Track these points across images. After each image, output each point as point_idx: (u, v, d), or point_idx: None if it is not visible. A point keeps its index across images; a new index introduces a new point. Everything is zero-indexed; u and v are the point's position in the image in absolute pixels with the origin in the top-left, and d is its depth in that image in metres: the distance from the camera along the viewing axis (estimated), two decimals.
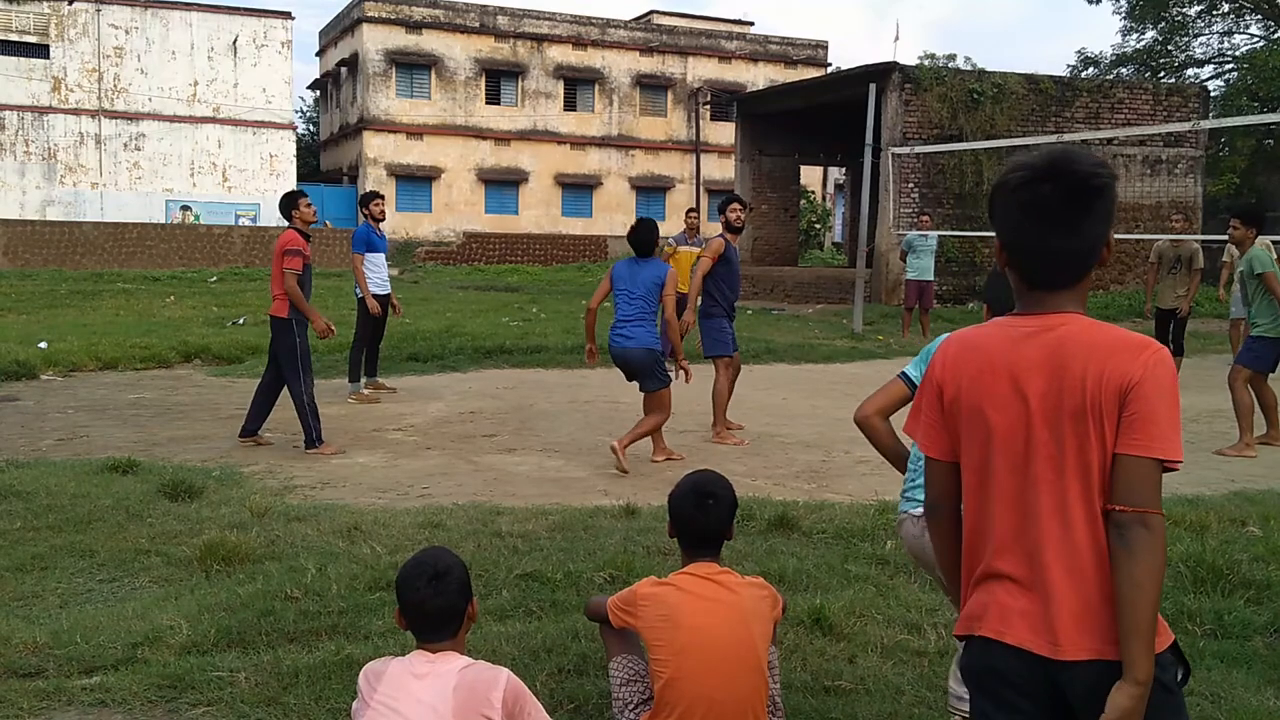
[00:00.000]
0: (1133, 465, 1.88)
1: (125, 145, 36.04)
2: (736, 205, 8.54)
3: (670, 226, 40.40)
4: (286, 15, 38.45)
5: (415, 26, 38.68)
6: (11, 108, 34.63)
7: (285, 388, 7.82)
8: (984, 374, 2.01)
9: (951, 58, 22.33)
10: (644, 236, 7.32)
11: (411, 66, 38.91)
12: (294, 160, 38.67)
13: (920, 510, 2.97)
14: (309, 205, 8.06)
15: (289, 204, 8.02)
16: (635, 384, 7.45)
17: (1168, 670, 1.89)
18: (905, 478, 3.27)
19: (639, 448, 7.58)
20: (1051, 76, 22.77)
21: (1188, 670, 2.03)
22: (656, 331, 7.32)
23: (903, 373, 3.28)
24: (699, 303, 8.61)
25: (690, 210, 13.15)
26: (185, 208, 36.62)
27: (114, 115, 35.85)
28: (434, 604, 2.61)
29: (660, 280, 7.17)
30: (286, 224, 8.01)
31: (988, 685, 2.00)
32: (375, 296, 10.13)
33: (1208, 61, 35.18)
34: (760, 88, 36.37)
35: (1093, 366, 1.91)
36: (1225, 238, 9.52)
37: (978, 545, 2.04)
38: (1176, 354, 11.89)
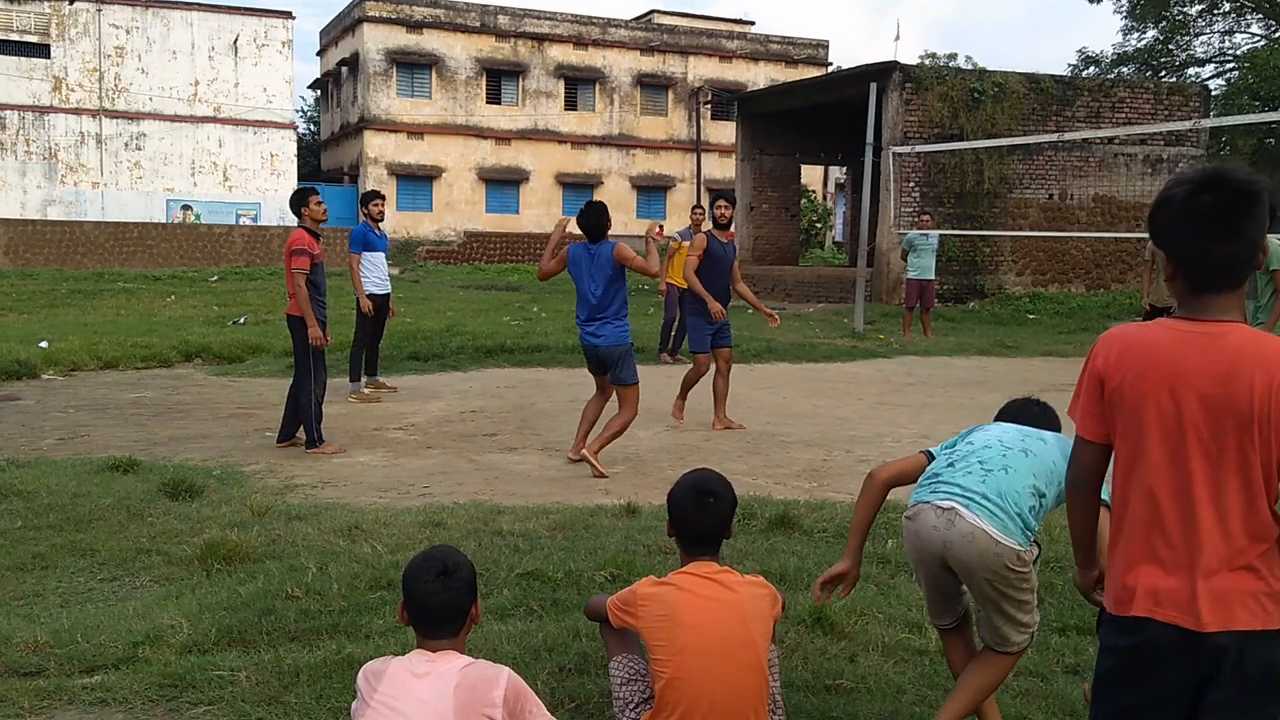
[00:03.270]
0: None
1: (126, 145, 36.03)
2: (723, 202, 8.83)
3: (670, 225, 40.32)
4: (287, 15, 38.44)
5: (416, 26, 38.67)
6: (12, 107, 34.62)
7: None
8: (1148, 370, 2.18)
9: (952, 57, 22.42)
10: (594, 220, 7.04)
11: (412, 66, 38.89)
12: (295, 160, 38.66)
13: (947, 501, 2.94)
14: (319, 203, 7.97)
15: (299, 202, 7.94)
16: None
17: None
18: (929, 470, 3.15)
19: (645, 446, 7.57)
20: (1052, 76, 22.74)
21: None
22: (627, 328, 7.17)
23: (927, 450, 3.24)
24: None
25: (695, 207, 13.33)
26: (186, 207, 36.62)
27: (115, 115, 35.84)
28: (439, 599, 2.61)
29: (612, 258, 6.97)
30: (296, 223, 7.98)
31: (1137, 657, 2.21)
32: (375, 296, 10.14)
33: (1209, 60, 35.19)
34: (761, 87, 36.36)
35: (1260, 377, 2.09)
36: None
37: (1124, 525, 2.23)
38: None
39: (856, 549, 3.22)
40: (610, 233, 7.17)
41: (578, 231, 7.04)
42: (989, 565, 2.91)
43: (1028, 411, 3.33)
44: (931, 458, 3.20)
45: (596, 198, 37.66)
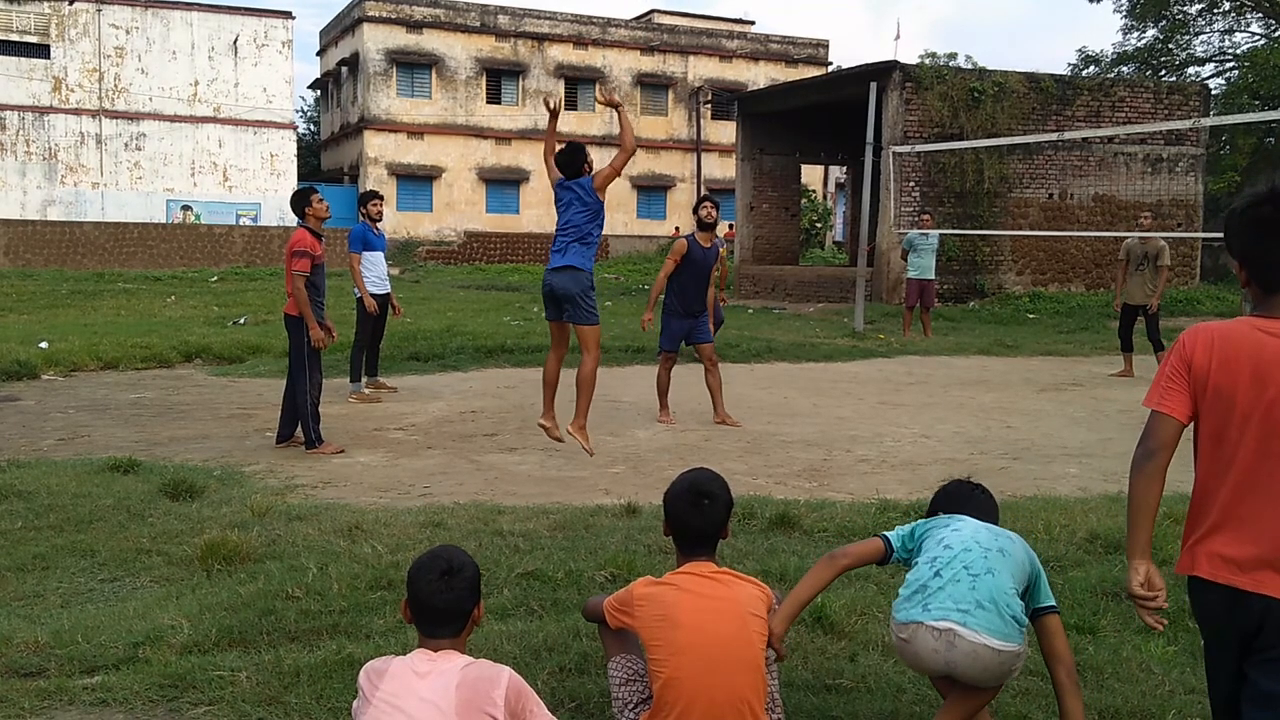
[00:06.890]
0: None
1: (126, 145, 36.03)
2: (708, 204, 8.85)
3: (669, 226, 40.29)
4: (287, 15, 38.42)
5: (416, 26, 38.66)
6: (12, 108, 34.61)
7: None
8: (1231, 361, 2.42)
9: (952, 56, 22.38)
10: (569, 159, 7.30)
11: (412, 66, 38.89)
12: (295, 160, 38.64)
13: (944, 623, 2.88)
14: (321, 201, 7.95)
15: (301, 201, 7.92)
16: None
17: None
18: (904, 587, 3.06)
19: (645, 447, 7.58)
20: (1052, 75, 22.74)
21: None
22: (591, 262, 7.24)
23: (884, 534, 3.21)
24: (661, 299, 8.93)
25: None
26: (186, 207, 36.62)
27: (115, 115, 35.83)
28: (442, 599, 2.62)
29: (593, 187, 7.24)
30: (297, 223, 7.97)
31: (1202, 613, 2.51)
32: (374, 295, 10.14)
33: (1209, 60, 35.15)
34: (761, 87, 36.33)
35: None
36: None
37: (1203, 498, 2.50)
38: (1156, 349, 12.13)
39: (791, 617, 3.12)
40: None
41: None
42: (995, 675, 2.95)
43: (974, 500, 3.32)
44: (886, 541, 3.17)
45: None
